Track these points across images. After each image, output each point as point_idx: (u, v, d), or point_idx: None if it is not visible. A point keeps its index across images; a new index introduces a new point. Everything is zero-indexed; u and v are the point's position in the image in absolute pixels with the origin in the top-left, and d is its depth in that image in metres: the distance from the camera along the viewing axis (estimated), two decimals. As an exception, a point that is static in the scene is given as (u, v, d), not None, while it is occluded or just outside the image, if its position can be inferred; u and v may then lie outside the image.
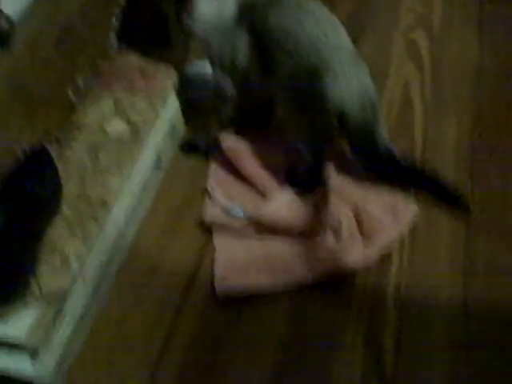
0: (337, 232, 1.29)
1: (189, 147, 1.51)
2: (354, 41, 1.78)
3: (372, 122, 1.25)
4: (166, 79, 1.50)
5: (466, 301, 1.23)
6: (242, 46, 1.34)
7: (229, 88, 1.41)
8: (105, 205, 1.25)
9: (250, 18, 1.33)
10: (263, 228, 1.32)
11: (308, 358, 1.16)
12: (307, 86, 1.25)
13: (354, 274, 1.27)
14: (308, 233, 1.30)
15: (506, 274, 1.24)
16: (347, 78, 1.24)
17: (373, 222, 1.30)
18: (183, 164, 1.50)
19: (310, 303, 1.24)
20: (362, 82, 1.26)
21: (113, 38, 1.43)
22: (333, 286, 1.25)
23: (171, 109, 1.51)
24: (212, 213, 1.36)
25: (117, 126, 1.40)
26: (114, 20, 1.42)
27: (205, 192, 1.42)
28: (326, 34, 1.26)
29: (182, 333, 1.20)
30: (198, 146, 1.50)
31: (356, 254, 1.26)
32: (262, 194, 1.40)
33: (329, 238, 1.27)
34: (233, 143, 1.45)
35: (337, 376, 1.13)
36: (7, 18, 1.02)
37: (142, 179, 1.39)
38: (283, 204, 1.34)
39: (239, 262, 1.28)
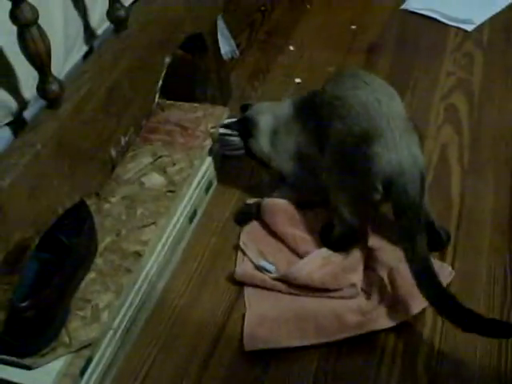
0: (369, 295, 1.28)
1: (243, 217, 1.51)
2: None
3: (418, 192, 1.24)
4: (205, 137, 1.55)
5: (500, 371, 1.19)
6: (304, 136, 1.40)
7: (292, 174, 1.45)
8: (139, 257, 1.28)
9: (313, 103, 1.39)
10: (295, 286, 1.32)
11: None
12: (356, 150, 1.26)
13: (385, 335, 1.25)
14: (339, 292, 1.30)
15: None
16: (398, 147, 1.24)
17: (408, 287, 1.28)
18: (216, 217, 1.53)
19: (339, 362, 1.22)
20: (412, 151, 1.25)
21: (157, 99, 1.48)
22: (363, 344, 1.24)
23: (208, 165, 1.55)
24: (243, 269, 1.37)
25: (155, 181, 1.44)
26: (160, 81, 1.46)
27: (237, 247, 1.43)
28: (379, 101, 1.28)
29: (207, 386, 1.20)
30: (252, 215, 1.49)
31: (387, 318, 1.25)
32: (295, 252, 1.40)
33: (360, 300, 1.27)
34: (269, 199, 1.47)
35: None
36: (58, 81, 1.07)
37: (177, 232, 1.41)
38: (316, 263, 1.34)
39: (269, 318, 1.28)
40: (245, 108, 1.55)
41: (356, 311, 1.27)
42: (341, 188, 1.32)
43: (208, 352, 1.25)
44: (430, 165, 1.62)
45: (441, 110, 1.80)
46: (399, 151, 1.24)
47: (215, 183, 1.60)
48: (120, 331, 1.23)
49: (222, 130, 1.59)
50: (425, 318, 1.28)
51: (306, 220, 1.44)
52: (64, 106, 1.08)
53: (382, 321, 1.24)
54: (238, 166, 1.65)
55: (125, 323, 1.24)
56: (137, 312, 1.28)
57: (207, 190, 1.56)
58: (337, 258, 1.35)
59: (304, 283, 1.31)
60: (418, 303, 1.28)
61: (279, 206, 1.45)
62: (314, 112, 1.38)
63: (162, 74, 1.40)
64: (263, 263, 1.37)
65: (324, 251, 1.37)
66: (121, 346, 1.24)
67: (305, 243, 1.40)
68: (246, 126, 1.48)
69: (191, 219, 1.48)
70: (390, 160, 1.23)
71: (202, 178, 1.53)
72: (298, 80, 1.94)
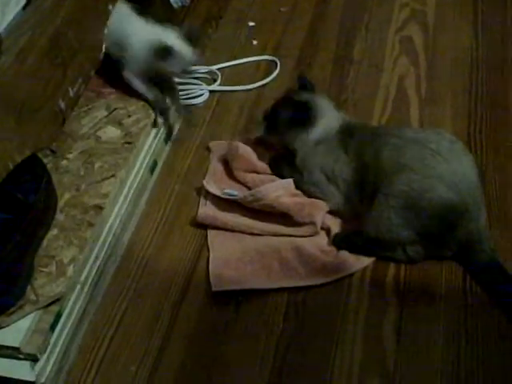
0: (328, 232, 1.30)
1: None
2: (349, 38, 1.80)
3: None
4: (160, 85, 1.52)
5: (466, 290, 1.22)
6: (341, 163, 1.30)
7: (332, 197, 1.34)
8: (100, 210, 1.26)
9: (346, 140, 1.31)
10: (258, 217, 1.32)
11: (308, 351, 1.16)
12: (435, 214, 1.19)
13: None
14: (298, 229, 1.30)
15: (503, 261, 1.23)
16: (480, 218, 1.23)
17: None
18: (177, 166, 1.51)
19: (309, 296, 1.23)
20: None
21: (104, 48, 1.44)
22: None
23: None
24: (205, 211, 1.37)
25: (111, 134, 1.41)
26: (106, 29, 1.43)
27: (199, 191, 1.42)
28: (458, 176, 1.20)
29: (181, 330, 1.20)
30: None
31: (354, 260, 1.27)
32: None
33: (321, 240, 1.29)
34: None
35: (338, 368, 1.12)
36: (-4, 33, 1.04)
37: (138, 184, 1.40)
38: (285, 191, 1.33)
39: (234, 259, 1.28)
40: (302, 81, 1.43)
41: (316, 247, 1.28)
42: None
43: (179, 297, 1.25)
44: (389, 97, 1.63)
45: (396, 43, 1.79)
46: (480, 222, 1.23)
47: (175, 132, 1.58)
48: (88, 285, 1.22)
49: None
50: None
51: (263, 167, 1.42)
52: (4, 58, 1.05)
53: (350, 263, 1.26)
54: (198, 114, 1.63)
55: (92, 277, 1.24)
56: (104, 265, 1.27)
57: (166, 139, 1.54)
58: (298, 191, 1.36)
59: (269, 204, 1.30)
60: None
61: (240, 150, 1.43)
62: (363, 148, 1.29)
63: (108, 22, 1.36)
64: (227, 190, 1.36)
65: (286, 182, 1.35)
66: (90, 299, 1.23)
67: (265, 184, 1.37)
68: (299, 118, 1.35)
69: (152, 170, 1.47)
70: (471, 231, 1.21)
71: (161, 126, 1.50)
72: (251, 23, 1.90)
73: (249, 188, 1.40)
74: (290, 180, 1.35)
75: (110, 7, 1.37)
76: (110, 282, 1.29)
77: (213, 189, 1.39)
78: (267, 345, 1.16)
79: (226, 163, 1.46)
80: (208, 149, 1.53)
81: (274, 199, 1.30)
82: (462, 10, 1.88)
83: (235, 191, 1.37)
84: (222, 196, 1.36)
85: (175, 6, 1.87)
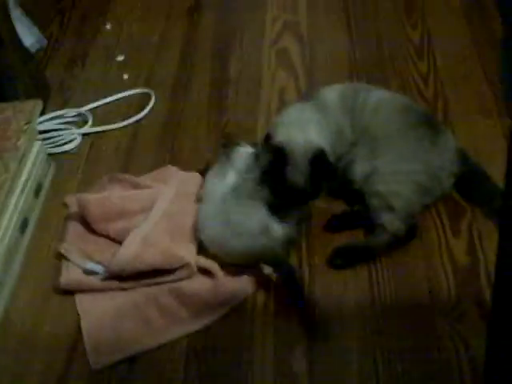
0: (210, 272, 1.18)
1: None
2: (224, 58, 1.73)
3: None
4: (19, 136, 1.37)
5: (374, 298, 1.15)
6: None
7: None
8: (-39, 284, 1.11)
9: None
10: (126, 278, 1.18)
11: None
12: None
13: (253, 295, 1.16)
14: (174, 276, 1.18)
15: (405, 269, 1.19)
16: None
17: None
18: (53, 221, 1.37)
19: (209, 335, 1.12)
20: None
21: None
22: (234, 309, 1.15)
23: (32, 167, 1.39)
24: (67, 277, 1.21)
25: (-32, 196, 1.26)
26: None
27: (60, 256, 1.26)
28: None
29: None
30: None
31: (245, 285, 1.17)
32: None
33: (201, 277, 1.18)
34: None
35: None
36: None
37: (7, 246, 1.25)
38: (136, 245, 1.18)
39: (108, 317, 1.14)
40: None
41: (195, 286, 1.16)
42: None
43: (65, 369, 1.10)
44: (271, 111, 1.55)
45: (272, 56, 1.73)
46: None
47: (47, 184, 1.44)
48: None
49: None
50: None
51: (123, 211, 1.27)
52: None
53: (241, 291, 1.16)
54: (69, 161, 1.50)
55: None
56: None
57: (37, 192, 1.39)
58: (159, 236, 1.21)
59: (134, 269, 1.17)
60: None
61: (94, 201, 1.29)
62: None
63: None
64: (90, 265, 1.21)
65: (141, 230, 1.21)
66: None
67: (128, 233, 1.22)
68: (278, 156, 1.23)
69: (23, 228, 1.32)
70: None
71: (27, 180, 1.36)
72: (120, 58, 1.80)
73: (113, 240, 1.25)
74: (145, 226, 1.22)
75: None
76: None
77: (74, 258, 1.24)
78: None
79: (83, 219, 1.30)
80: (65, 205, 1.38)
81: (134, 262, 1.16)
82: (334, 16, 1.85)
83: (98, 266, 1.21)
84: (85, 273, 1.21)
85: (33, 49, 1.74)
